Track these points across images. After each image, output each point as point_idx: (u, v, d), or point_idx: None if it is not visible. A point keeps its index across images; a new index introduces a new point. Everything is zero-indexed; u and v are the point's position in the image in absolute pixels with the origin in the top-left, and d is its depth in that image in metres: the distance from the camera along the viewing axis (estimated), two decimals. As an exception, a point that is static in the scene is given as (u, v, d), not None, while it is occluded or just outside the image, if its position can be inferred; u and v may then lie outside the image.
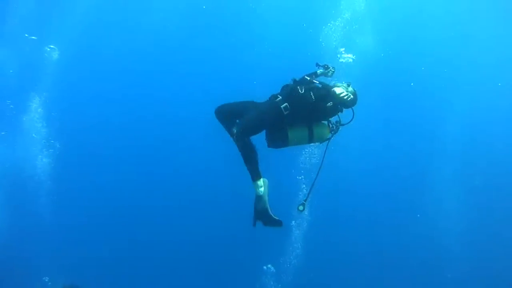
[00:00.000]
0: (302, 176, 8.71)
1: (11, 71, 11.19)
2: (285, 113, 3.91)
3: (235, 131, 3.89)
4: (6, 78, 11.21)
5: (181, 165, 12.50)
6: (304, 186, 8.51)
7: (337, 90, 4.03)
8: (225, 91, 4.36)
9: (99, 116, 12.81)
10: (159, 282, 11.76)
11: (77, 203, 11.84)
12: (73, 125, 12.12)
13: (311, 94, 3.94)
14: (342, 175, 11.93)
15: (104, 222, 11.42)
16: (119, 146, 12.66)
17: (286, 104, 3.91)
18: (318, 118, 4.09)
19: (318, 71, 4.37)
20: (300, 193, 8.42)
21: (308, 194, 4.17)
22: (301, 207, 4.08)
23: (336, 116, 4.19)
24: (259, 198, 3.97)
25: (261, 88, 4.59)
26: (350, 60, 8.03)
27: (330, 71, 4.38)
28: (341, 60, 8.00)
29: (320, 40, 8.50)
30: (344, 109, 4.26)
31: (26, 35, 11.43)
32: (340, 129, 4.19)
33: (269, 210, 3.99)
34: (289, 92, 4.04)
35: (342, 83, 4.36)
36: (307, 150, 8.08)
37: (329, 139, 4.19)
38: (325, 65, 4.46)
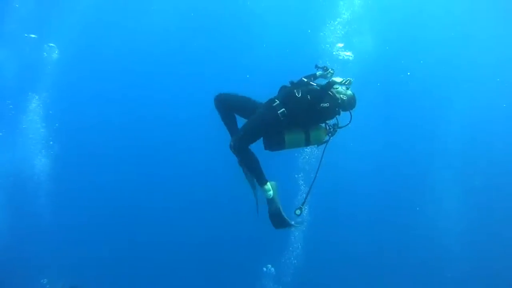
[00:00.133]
0: (301, 174, 8.70)
1: (9, 71, 11.15)
2: (282, 118, 3.89)
3: (232, 144, 3.92)
4: (5, 77, 11.17)
5: (181, 165, 12.48)
6: (302, 182, 8.50)
7: (337, 79, 4.04)
8: (223, 91, 4.33)
9: (98, 116, 12.78)
10: (159, 282, 11.74)
11: (76, 203, 11.81)
12: (72, 125, 12.09)
13: (308, 96, 3.92)
14: (342, 174, 11.93)
15: (103, 223, 11.40)
16: (118, 146, 12.63)
17: (283, 109, 3.89)
18: (315, 121, 4.08)
19: (317, 73, 4.32)
20: (299, 192, 8.40)
21: (306, 198, 4.16)
22: (298, 211, 4.07)
23: (334, 118, 4.18)
24: (270, 201, 4.02)
25: (260, 87, 4.59)
26: (350, 57, 8.01)
27: (329, 73, 4.29)
28: (340, 57, 7.98)
29: (319, 40, 8.48)
30: (341, 112, 4.25)
31: (26, 34, 11.39)
32: (337, 131, 4.18)
33: (282, 212, 4.02)
34: (286, 96, 4.01)
35: (341, 86, 4.37)
36: (308, 151, 8.06)
37: (326, 141, 4.18)
38: (324, 66, 4.40)
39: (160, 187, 12.22)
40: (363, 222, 12.31)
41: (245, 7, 13.17)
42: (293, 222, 4.11)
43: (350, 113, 4.27)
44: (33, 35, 11.45)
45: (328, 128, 4.16)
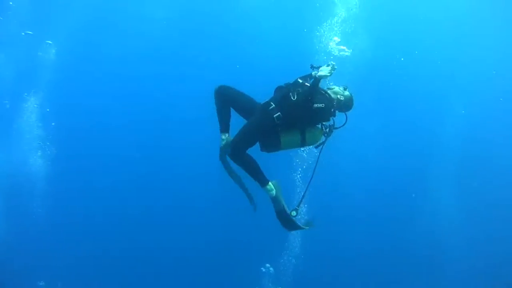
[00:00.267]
0: (300, 169, 8.68)
1: (5, 69, 11.05)
2: (278, 122, 3.92)
3: (229, 151, 3.98)
4: (1, 76, 11.08)
5: (180, 165, 12.42)
6: (299, 176, 8.47)
7: (322, 73, 3.96)
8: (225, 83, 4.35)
9: (97, 115, 12.71)
10: (157, 282, 11.73)
11: (73, 204, 11.75)
12: (69, 125, 12.00)
13: (303, 98, 3.91)
14: (341, 174, 11.93)
15: (101, 224, 11.35)
16: (117, 146, 12.56)
17: (279, 113, 3.92)
18: (311, 122, 4.08)
19: (313, 73, 4.26)
20: (298, 189, 8.37)
21: (302, 198, 4.20)
22: (293, 213, 4.12)
23: (331, 119, 4.18)
24: (274, 200, 4.12)
25: (258, 86, 4.56)
26: (347, 54, 7.94)
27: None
28: (336, 53, 7.92)
29: (314, 39, 8.43)
30: (338, 112, 4.26)
31: (23, 33, 11.30)
32: (333, 132, 4.19)
33: (287, 210, 4.10)
34: (281, 99, 4.01)
35: (339, 86, 4.35)
36: (307, 149, 8.01)
37: (323, 142, 4.20)
38: (320, 66, 4.32)
39: (158, 186, 12.19)
40: (363, 221, 12.31)
41: (240, 5, 13.09)
42: (300, 224, 4.18)
43: (346, 114, 4.29)
44: (29, 32, 11.34)
45: (324, 128, 4.17)
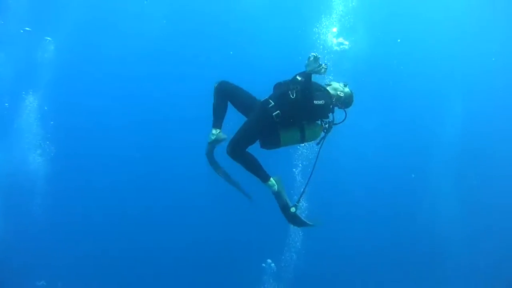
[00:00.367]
0: (300, 164, 8.67)
1: (4, 68, 10.99)
2: (277, 120, 3.91)
3: (229, 149, 3.96)
4: (2, 76, 11.03)
5: (180, 163, 12.39)
6: (296, 169, 8.46)
7: (309, 63, 3.89)
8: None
9: (96, 114, 12.67)
10: (159, 279, 11.74)
11: (73, 203, 11.74)
12: (68, 124, 11.97)
13: (302, 96, 3.89)
14: (341, 171, 11.92)
15: (101, 223, 11.35)
16: (116, 145, 12.54)
17: (278, 111, 3.90)
18: (310, 119, 4.05)
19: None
20: (298, 184, 8.37)
21: (301, 195, 4.19)
22: (293, 209, 4.11)
23: (331, 115, 4.17)
24: (276, 195, 4.15)
25: (257, 84, 4.53)
26: (346, 47, 7.90)
27: (323, 68, 4.05)
28: (335, 48, 7.88)
29: (313, 36, 8.38)
30: (337, 109, 4.24)
31: (22, 30, 11.23)
32: (333, 128, 4.18)
33: (290, 205, 4.12)
34: (280, 97, 3.99)
35: (339, 83, 4.32)
36: (307, 145, 7.98)
37: (322, 138, 4.19)
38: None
39: (159, 184, 12.18)
40: (364, 218, 12.32)
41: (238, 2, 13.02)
42: (307, 220, 4.18)
43: (345, 111, 4.26)
44: (27, 28, 11.27)
45: (323, 125, 4.15)
